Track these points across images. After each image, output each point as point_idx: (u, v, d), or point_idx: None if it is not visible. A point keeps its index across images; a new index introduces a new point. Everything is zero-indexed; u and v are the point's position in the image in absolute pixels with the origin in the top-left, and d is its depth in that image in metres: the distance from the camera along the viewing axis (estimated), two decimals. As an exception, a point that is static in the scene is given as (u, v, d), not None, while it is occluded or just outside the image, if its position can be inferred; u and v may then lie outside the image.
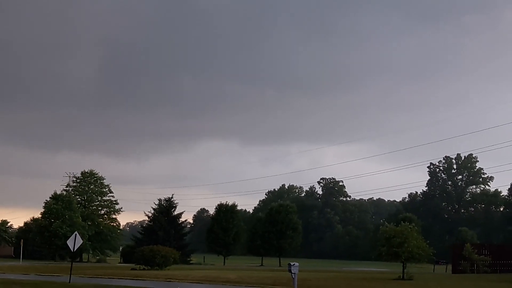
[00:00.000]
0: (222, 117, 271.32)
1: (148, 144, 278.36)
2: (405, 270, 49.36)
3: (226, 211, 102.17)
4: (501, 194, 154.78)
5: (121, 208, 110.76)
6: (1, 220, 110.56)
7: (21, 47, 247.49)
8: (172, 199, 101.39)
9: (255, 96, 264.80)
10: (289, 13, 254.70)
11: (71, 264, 42.25)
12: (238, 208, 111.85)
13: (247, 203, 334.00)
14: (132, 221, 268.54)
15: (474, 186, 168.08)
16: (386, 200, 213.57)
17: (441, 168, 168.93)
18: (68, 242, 41.00)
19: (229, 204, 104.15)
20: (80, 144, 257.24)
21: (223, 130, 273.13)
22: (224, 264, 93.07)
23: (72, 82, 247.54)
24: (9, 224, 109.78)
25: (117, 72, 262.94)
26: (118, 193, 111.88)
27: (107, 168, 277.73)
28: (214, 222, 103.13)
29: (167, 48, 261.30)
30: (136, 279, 44.97)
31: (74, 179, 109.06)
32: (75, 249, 40.63)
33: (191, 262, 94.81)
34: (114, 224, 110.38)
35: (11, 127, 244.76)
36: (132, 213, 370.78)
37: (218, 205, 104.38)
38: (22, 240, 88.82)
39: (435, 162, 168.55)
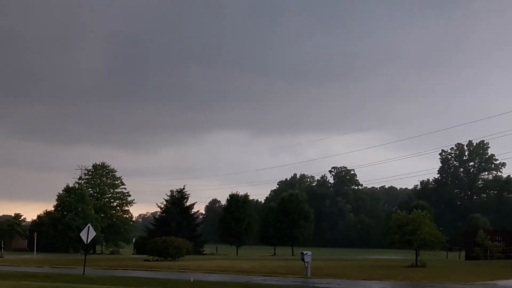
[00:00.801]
0: (231, 108, 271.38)
1: (158, 136, 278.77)
2: (418, 257, 49.33)
3: (237, 201, 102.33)
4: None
5: (133, 200, 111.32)
6: (15, 214, 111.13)
7: (30, 41, 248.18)
8: (184, 190, 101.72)
9: (263, 86, 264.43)
10: (297, 4, 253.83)
11: (85, 256, 42.45)
12: (250, 198, 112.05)
13: (259, 193, 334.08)
14: (144, 213, 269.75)
15: (486, 173, 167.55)
16: (398, 188, 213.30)
17: (452, 155, 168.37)
18: (81, 234, 41.18)
19: (241, 194, 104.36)
20: (91, 137, 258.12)
21: (232, 120, 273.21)
22: (237, 254, 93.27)
23: (82, 75, 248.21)
24: (22, 218, 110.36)
25: (126, 65, 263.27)
26: (130, 185, 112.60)
27: (118, 161, 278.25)
28: (226, 213, 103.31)
29: (175, 40, 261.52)
30: (149, 270, 45.14)
31: (86, 171, 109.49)
32: (88, 241, 40.80)
33: (204, 252, 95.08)
34: (127, 216, 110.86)
35: (21, 121, 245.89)
36: (144, 205, 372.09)
37: (230, 195, 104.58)
38: (35, 233, 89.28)
39: (447, 149, 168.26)
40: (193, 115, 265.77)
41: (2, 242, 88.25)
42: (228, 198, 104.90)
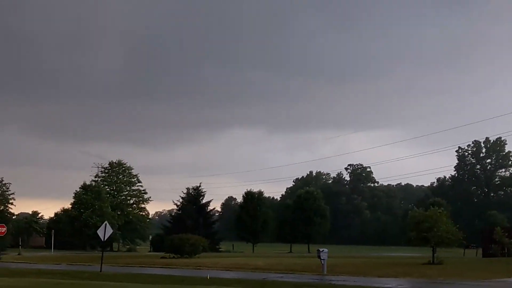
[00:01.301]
0: (247, 106, 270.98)
1: (175, 134, 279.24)
2: (435, 254, 49.13)
3: (253, 199, 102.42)
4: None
5: (150, 197, 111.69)
6: (32, 211, 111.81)
7: (47, 40, 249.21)
8: (200, 188, 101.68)
9: (279, 84, 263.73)
10: (313, 2, 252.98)
11: (102, 253, 42.68)
12: (266, 195, 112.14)
13: (275, 191, 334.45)
14: (161, 210, 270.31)
15: (503, 170, 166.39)
16: (414, 185, 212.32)
17: (469, 152, 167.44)
18: (98, 231, 41.42)
19: (257, 192, 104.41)
20: (107, 135, 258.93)
21: (248, 118, 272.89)
22: (253, 252, 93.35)
23: (97, 74, 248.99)
24: (40, 215, 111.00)
25: (142, 64, 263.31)
26: (146, 183, 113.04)
27: (134, 158, 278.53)
28: (242, 210, 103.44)
29: (190, 38, 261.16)
30: (166, 268, 45.33)
31: (103, 169, 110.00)
32: (105, 239, 41.02)
33: (220, 250, 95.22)
34: (143, 214, 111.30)
35: (39, 120, 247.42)
36: (160, 202, 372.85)
37: (246, 193, 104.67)
38: (53, 230, 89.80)
39: (464, 146, 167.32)
40: (209, 113, 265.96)
41: (20, 240, 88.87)
42: (244, 195, 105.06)
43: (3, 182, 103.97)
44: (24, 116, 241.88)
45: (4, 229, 54.83)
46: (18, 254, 69.95)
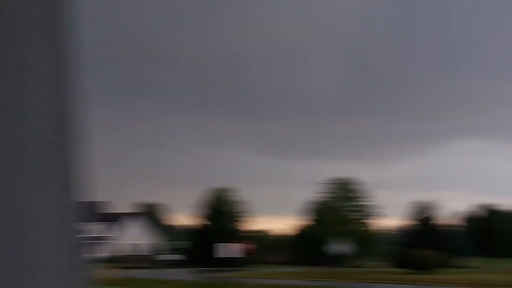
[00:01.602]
0: (472, 116, 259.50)
1: (401, 147, 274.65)
2: None
3: (489, 213, 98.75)
4: None
5: (380, 212, 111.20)
6: (264, 228, 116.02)
7: (257, 61, 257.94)
8: (432, 202, 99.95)
9: (506, 91, 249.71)
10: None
11: (338, 269, 43.49)
12: (502, 208, 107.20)
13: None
14: (393, 225, 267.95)
15: None
16: None
17: None
18: (332, 247, 42.42)
19: (493, 204, 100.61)
20: (332, 151, 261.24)
21: (475, 129, 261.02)
22: (490, 267, 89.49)
23: (317, 91, 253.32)
24: (272, 232, 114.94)
25: (359, 78, 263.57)
26: (375, 198, 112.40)
27: (361, 173, 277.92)
28: (478, 224, 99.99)
29: (407, 47, 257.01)
30: (410, 284, 45.05)
31: (330, 185, 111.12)
32: (340, 254, 41.87)
33: (456, 265, 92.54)
34: (374, 229, 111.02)
35: (260, 136, 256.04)
36: (392, 218, 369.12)
37: (479, 206, 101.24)
38: (287, 246, 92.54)
39: None
40: (432, 124, 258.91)
41: (258, 256, 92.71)
42: (478, 209, 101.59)
43: (242, 201, 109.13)
44: (246, 133, 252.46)
45: (253, 246, 57.87)
46: (257, 270, 73.09)
